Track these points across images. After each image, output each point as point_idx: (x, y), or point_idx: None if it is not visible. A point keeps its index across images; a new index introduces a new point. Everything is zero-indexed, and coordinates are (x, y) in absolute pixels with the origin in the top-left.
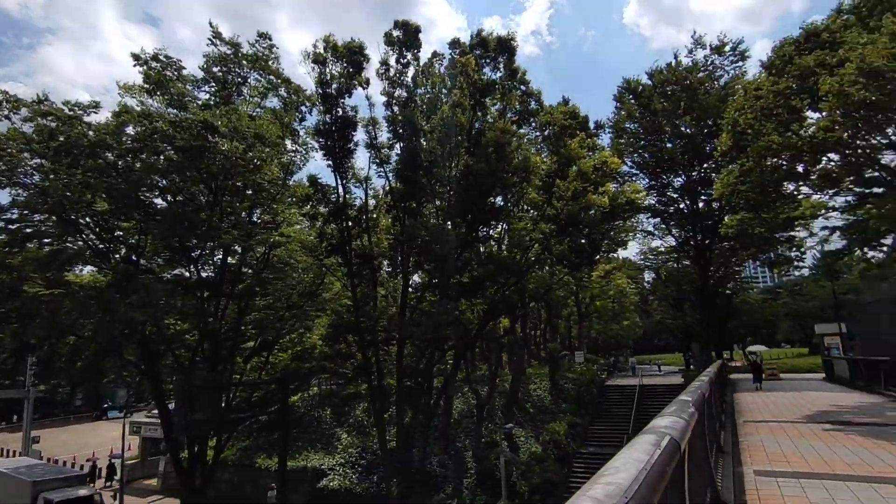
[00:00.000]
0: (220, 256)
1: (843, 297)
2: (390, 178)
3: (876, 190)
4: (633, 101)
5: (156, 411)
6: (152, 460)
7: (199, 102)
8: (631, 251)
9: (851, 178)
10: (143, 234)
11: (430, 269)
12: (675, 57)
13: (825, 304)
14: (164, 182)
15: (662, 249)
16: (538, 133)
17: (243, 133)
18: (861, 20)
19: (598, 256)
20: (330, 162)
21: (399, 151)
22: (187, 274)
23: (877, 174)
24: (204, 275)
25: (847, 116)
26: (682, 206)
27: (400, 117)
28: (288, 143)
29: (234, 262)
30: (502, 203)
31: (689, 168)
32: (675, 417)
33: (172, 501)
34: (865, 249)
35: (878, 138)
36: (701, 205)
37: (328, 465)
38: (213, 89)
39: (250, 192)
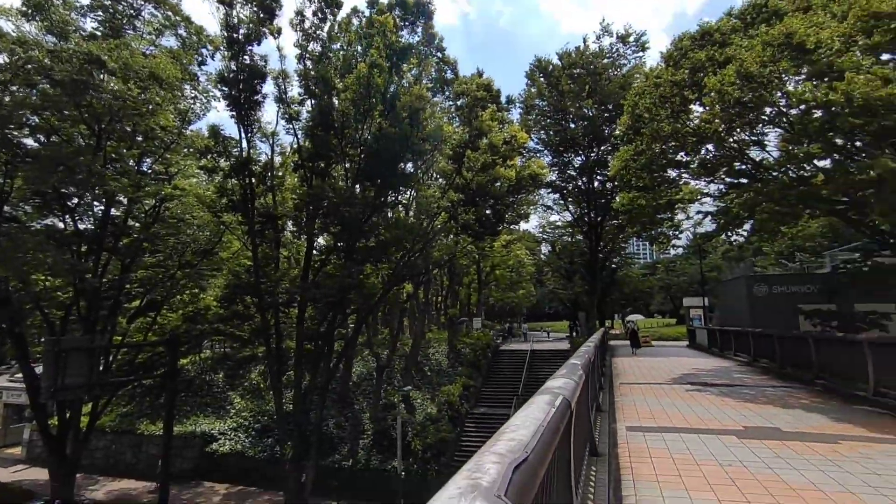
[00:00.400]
0: (102, 207)
1: (708, 274)
2: (299, 136)
3: (743, 181)
4: (542, 79)
5: (20, 375)
6: (15, 428)
7: (85, 33)
8: (531, 224)
9: (724, 168)
10: (8, 176)
11: (336, 231)
12: (584, 41)
13: (693, 280)
14: (38, 119)
15: (559, 224)
16: (451, 102)
17: (136, 71)
18: (745, 25)
19: (501, 227)
20: (234, 113)
21: (310, 108)
22: (61, 225)
23: (744, 167)
24: (81, 226)
25: (725, 112)
26: (580, 184)
27: (313, 73)
28: (187, 88)
29: (119, 214)
30: (413, 170)
31: (588, 149)
32: (567, 379)
33: (40, 471)
34: (730, 233)
35: (748, 135)
36: (596, 184)
37: (219, 430)
38: (100, 18)
39: (140, 138)
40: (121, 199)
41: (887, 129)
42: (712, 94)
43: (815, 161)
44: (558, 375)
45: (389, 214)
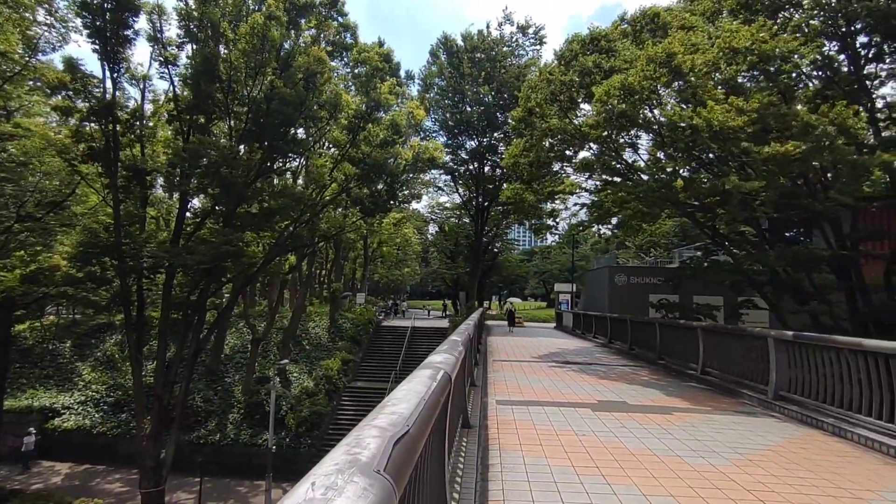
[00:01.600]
0: None
1: (578, 263)
2: (176, 84)
3: (616, 179)
4: (444, 58)
5: None
6: None
7: None
8: (420, 204)
9: (602, 166)
10: None
11: (215, 193)
12: (487, 27)
13: (564, 268)
14: None
15: (448, 206)
16: (349, 70)
17: None
18: (635, 32)
19: (393, 205)
20: (98, 47)
21: (191, 54)
22: None
23: (619, 166)
24: None
25: (607, 120)
26: (471, 168)
27: (196, 13)
28: (40, 12)
29: None
30: (305, 136)
31: (482, 134)
32: (448, 355)
33: None
34: (600, 226)
35: (625, 138)
36: (487, 169)
37: (63, 404)
38: None
39: None
40: None
41: (734, 152)
42: (598, 103)
43: (678, 168)
44: (440, 350)
45: (276, 181)
